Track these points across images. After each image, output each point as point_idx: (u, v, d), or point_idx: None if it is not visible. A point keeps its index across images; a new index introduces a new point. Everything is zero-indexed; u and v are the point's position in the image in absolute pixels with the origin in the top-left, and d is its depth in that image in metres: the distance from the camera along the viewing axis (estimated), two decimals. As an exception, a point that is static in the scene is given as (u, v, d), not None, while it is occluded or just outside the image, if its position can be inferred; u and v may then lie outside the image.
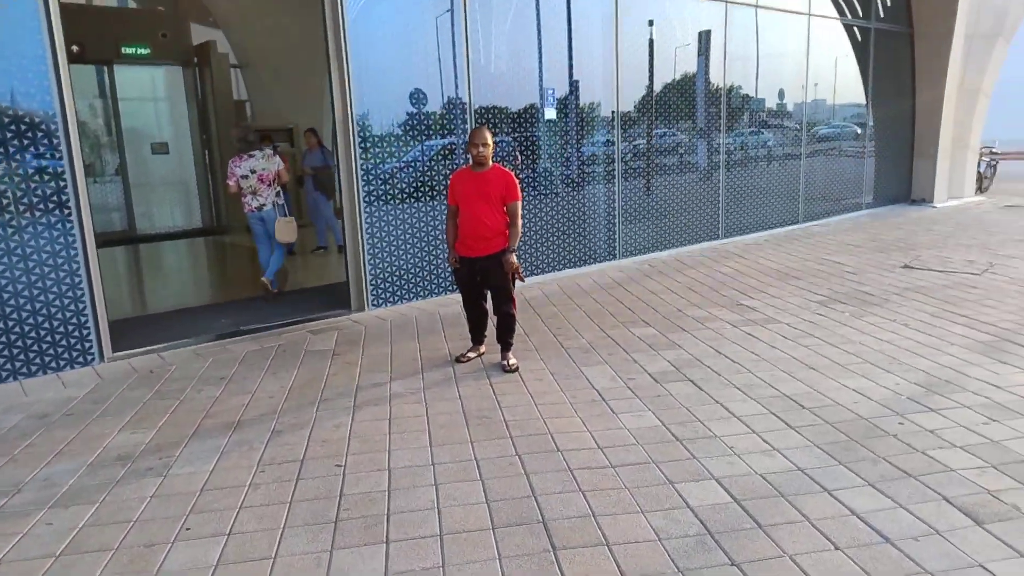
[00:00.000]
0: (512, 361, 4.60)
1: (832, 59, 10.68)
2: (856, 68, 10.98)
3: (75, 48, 7.50)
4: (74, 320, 4.73)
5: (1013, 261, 7.22)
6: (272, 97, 11.32)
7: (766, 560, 2.51)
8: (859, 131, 11.28)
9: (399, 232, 6.22)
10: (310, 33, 5.77)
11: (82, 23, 9.00)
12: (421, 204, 6.33)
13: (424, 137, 6.34)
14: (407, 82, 6.22)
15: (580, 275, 7.32)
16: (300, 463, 3.39)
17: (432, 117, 6.36)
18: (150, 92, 10.62)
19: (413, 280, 6.34)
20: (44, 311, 4.62)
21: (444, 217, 5.57)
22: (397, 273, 6.24)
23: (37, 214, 4.56)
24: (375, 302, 6.13)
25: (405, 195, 6.25)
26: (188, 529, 2.83)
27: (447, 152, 6.48)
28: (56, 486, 3.22)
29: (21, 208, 4.49)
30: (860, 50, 10.94)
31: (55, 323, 4.67)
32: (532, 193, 7.14)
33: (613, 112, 7.64)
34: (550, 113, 7.03)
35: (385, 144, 6.10)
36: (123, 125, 10.11)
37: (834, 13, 10.35)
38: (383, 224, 6.12)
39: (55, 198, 4.60)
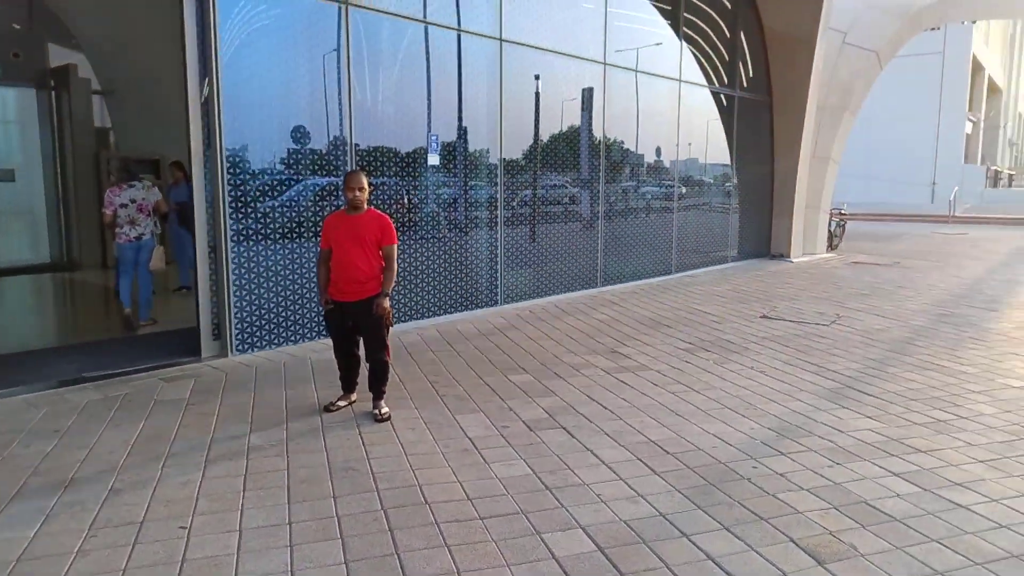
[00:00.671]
0: (384, 410, 4.46)
1: (704, 121, 11.50)
2: (723, 131, 11.87)
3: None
4: None
5: (858, 313, 7.91)
6: (137, 127, 10.69)
7: (625, 611, 2.51)
8: (724, 188, 12.12)
9: (270, 273, 5.96)
10: (180, 63, 5.51)
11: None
12: (295, 244, 6.12)
13: (301, 175, 6.16)
14: (287, 118, 6.06)
15: (461, 320, 7.30)
16: (139, 525, 3.08)
17: (311, 155, 6.21)
18: (-1, 115, 9.77)
19: (283, 324, 6.07)
20: None
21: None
22: (266, 316, 5.96)
23: None
24: (240, 347, 5.79)
25: (279, 234, 6.02)
26: (-9, 609, 2.48)
27: (326, 192, 6.33)
28: None
29: None
30: (726, 115, 11.85)
31: None
32: (415, 237, 7.09)
33: (497, 160, 7.79)
34: (433, 159, 7.06)
35: (258, 180, 5.87)
36: (-37, 149, 9.21)
37: (703, 81, 11.18)
38: (252, 264, 5.84)
39: None
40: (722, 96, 11.66)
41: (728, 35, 11.69)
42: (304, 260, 6.13)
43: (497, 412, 4.61)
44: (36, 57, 9.69)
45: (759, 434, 4.29)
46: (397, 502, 3.35)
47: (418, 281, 7.10)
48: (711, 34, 11.32)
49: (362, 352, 4.60)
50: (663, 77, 10.24)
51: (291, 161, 6.10)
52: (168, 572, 2.72)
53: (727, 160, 12.07)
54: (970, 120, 33.36)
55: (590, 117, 9.11)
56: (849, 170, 21.40)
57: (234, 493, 3.42)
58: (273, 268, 5.97)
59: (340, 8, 6.26)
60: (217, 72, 5.48)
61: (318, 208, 6.26)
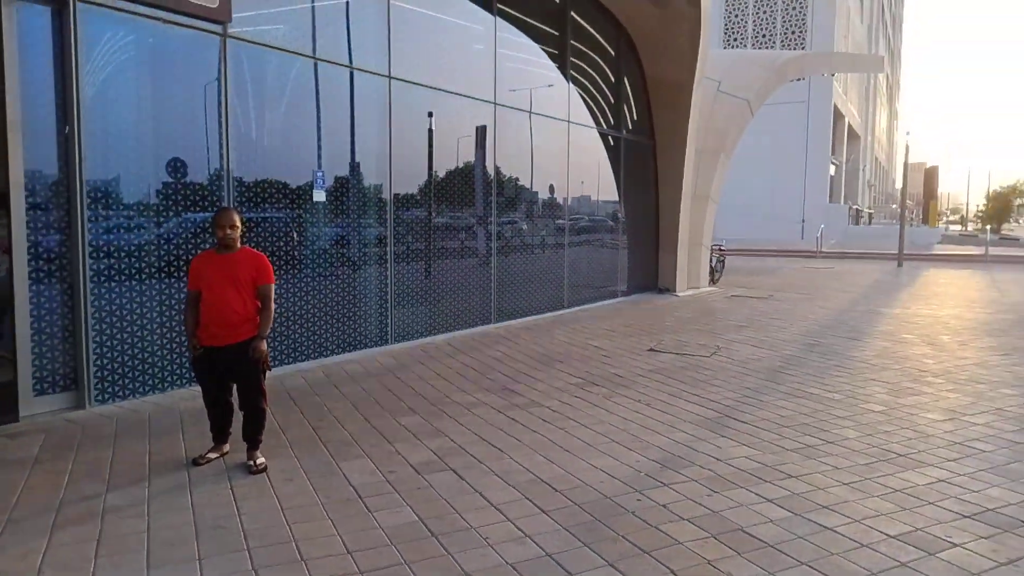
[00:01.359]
0: (260, 460, 4.20)
1: (593, 161, 11.91)
2: (611, 170, 12.34)
3: None
4: None
5: (736, 344, 8.31)
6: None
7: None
8: (613, 225, 12.56)
9: (135, 316, 5.55)
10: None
11: None
12: (164, 284, 5.74)
13: (174, 210, 5.82)
14: (159, 151, 5.74)
15: (349, 361, 7.07)
16: (-39, 608, 2.71)
17: (186, 190, 5.89)
18: None
19: (149, 371, 5.64)
20: None
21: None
22: (129, 363, 5.52)
23: None
24: (99, 397, 5.32)
25: (145, 274, 5.63)
26: None
27: (200, 228, 6.00)
28: None
29: None
30: (613, 155, 12.34)
31: None
32: (299, 275, 6.84)
33: (387, 196, 7.70)
34: (319, 195, 6.88)
35: (123, 216, 5.49)
36: None
37: (591, 122, 11.61)
38: (115, 306, 5.43)
39: None
40: (609, 137, 12.15)
41: (613, 80, 12.25)
42: (174, 301, 5.76)
43: (383, 457, 4.45)
44: None
45: (644, 466, 4.37)
46: (270, 560, 3.14)
47: (302, 320, 6.83)
48: (597, 79, 11.83)
49: (236, 399, 4.33)
50: (552, 118, 10.55)
51: (163, 195, 5.75)
52: (-6, 661, 2.40)
53: (615, 198, 12.54)
54: (833, 163, 36.51)
55: (483, 155, 9.23)
56: (727, 208, 22.78)
57: (84, 561, 3.09)
58: (139, 311, 5.57)
59: (219, 40, 6.04)
60: (78, 102, 5.12)
61: (191, 246, 5.92)
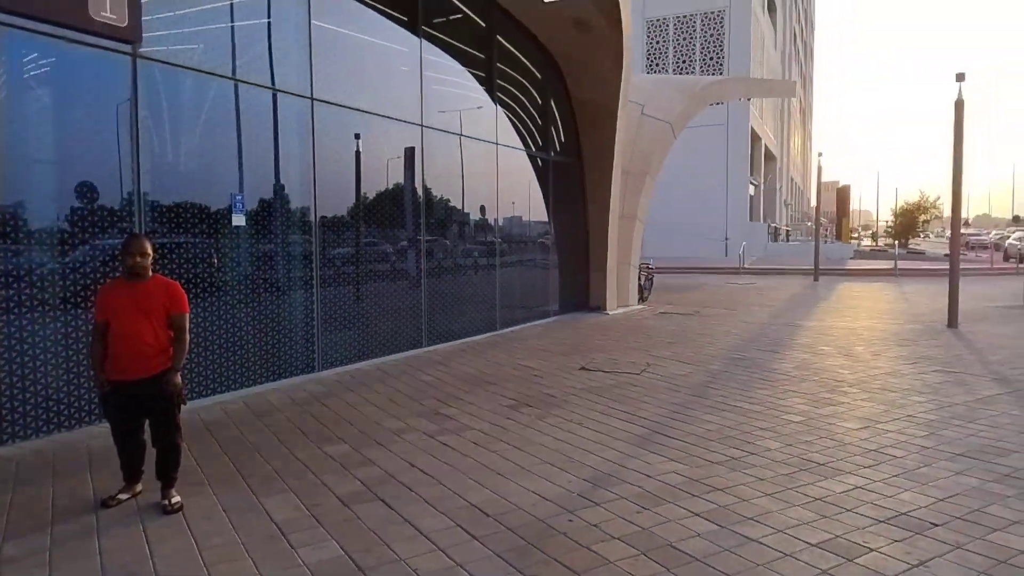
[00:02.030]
0: (175, 499, 3.99)
1: (523, 182, 12.02)
2: (540, 192, 12.48)
3: None
4: None
5: (665, 361, 8.48)
6: None
7: None
8: (544, 245, 12.69)
9: (36, 349, 5.21)
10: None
11: None
12: (70, 315, 5.42)
13: (79, 238, 5.52)
14: (63, 175, 5.44)
15: (273, 390, 6.83)
16: None
17: (91, 215, 5.59)
18: None
19: (53, 408, 5.30)
20: None
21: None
22: (31, 400, 5.17)
23: None
24: (-1, 438, 4.96)
25: (48, 304, 5.30)
26: None
27: (108, 256, 5.70)
28: None
29: None
30: (542, 177, 12.49)
31: None
32: (219, 302, 6.58)
33: (312, 219, 7.53)
34: (238, 219, 6.66)
35: (23, 243, 5.17)
36: None
37: (519, 144, 11.73)
38: (13, 340, 5.08)
39: None
40: (538, 159, 12.31)
41: (540, 103, 12.44)
42: (81, 333, 5.44)
43: (308, 490, 4.30)
44: None
45: (576, 486, 4.37)
46: (183, 607, 2.96)
47: (223, 350, 6.57)
48: (525, 101, 11.99)
49: (149, 435, 4.10)
50: (481, 140, 10.61)
51: (70, 221, 5.45)
52: None
53: (546, 218, 12.67)
54: (752, 183, 38.09)
55: (412, 176, 9.17)
56: (654, 227, 23.38)
57: (-29, 622, 2.84)
58: (43, 344, 5.23)
59: (130, 60, 5.81)
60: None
61: (99, 274, 5.62)
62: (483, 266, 10.89)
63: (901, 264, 25.56)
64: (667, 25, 35.90)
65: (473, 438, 5.37)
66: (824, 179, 27.05)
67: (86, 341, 5.40)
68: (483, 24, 10.79)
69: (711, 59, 35.14)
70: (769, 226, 40.42)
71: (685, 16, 35.56)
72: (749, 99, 33.85)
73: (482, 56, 10.83)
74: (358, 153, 8.29)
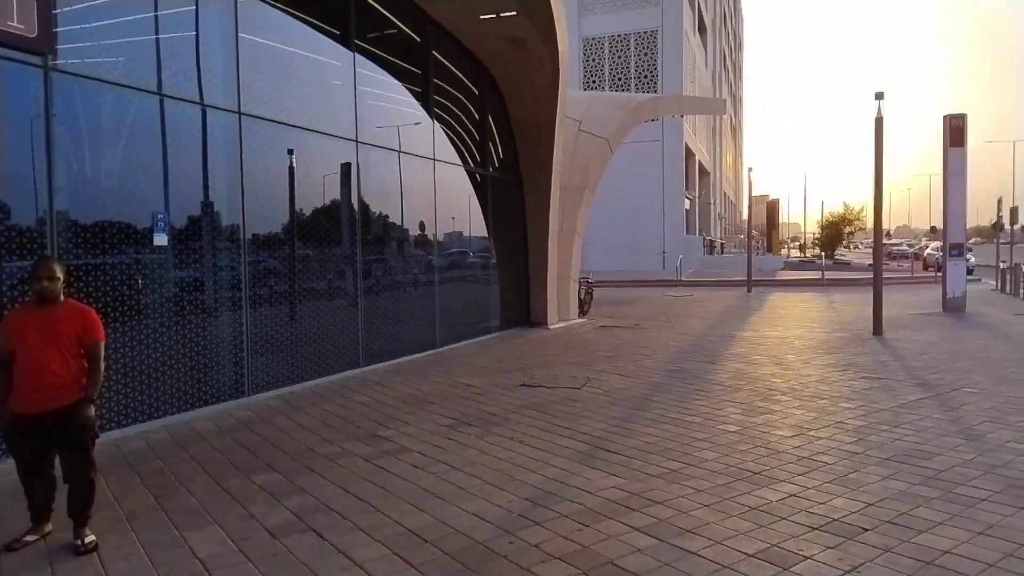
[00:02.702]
0: (89, 538, 3.73)
1: (462, 198, 11.97)
2: (480, 207, 12.45)
3: None
4: None
5: (604, 375, 8.52)
6: None
7: None
8: (484, 260, 12.65)
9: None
10: None
11: None
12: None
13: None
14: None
15: (199, 418, 6.52)
16: None
17: (0, 237, 5.24)
18: None
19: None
20: None
21: None
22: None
23: None
24: None
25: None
26: None
27: (17, 280, 5.35)
28: None
29: None
30: (481, 192, 12.47)
31: None
32: (140, 326, 6.26)
33: (241, 237, 7.27)
34: (160, 239, 6.36)
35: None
36: None
37: (457, 160, 11.69)
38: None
39: None
40: (476, 175, 12.29)
41: (478, 118, 12.45)
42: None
43: (236, 522, 4.09)
44: None
45: (516, 506, 4.30)
46: (93, 658, 2.74)
47: (145, 376, 6.23)
48: (463, 117, 11.97)
49: (59, 471, 3.83)
50: (419, 156, 10.51)
51: (-28, 245, 5.09)
52: None
53: (485, 234, 12.64)
54: (687, 198, 39.10)
55: (349, 192, 9.00)
56: (593, 241, 23.69)
57: None
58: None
59: (41, 73, 5.50)
60: None
61: (8, 299, 5.26)
62: (422, 283, 10.76)
63: (828, 274, 26.61)
64: (603, 44, 36.69)
65: (411, 460, 5.24)
66: (755, 193, 28.01)
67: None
68: (418, 39, 10.73)
69: (645, 77, 36.04)
70: (704, 239, 41.55)
71: (620, 36, 36.42)
72: (682, 116, 34.83)
73: (418, 72, 10.77)
74: (291, 169, 8.08)
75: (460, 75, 11.92)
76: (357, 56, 9.13)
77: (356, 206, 9.09)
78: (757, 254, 33.94)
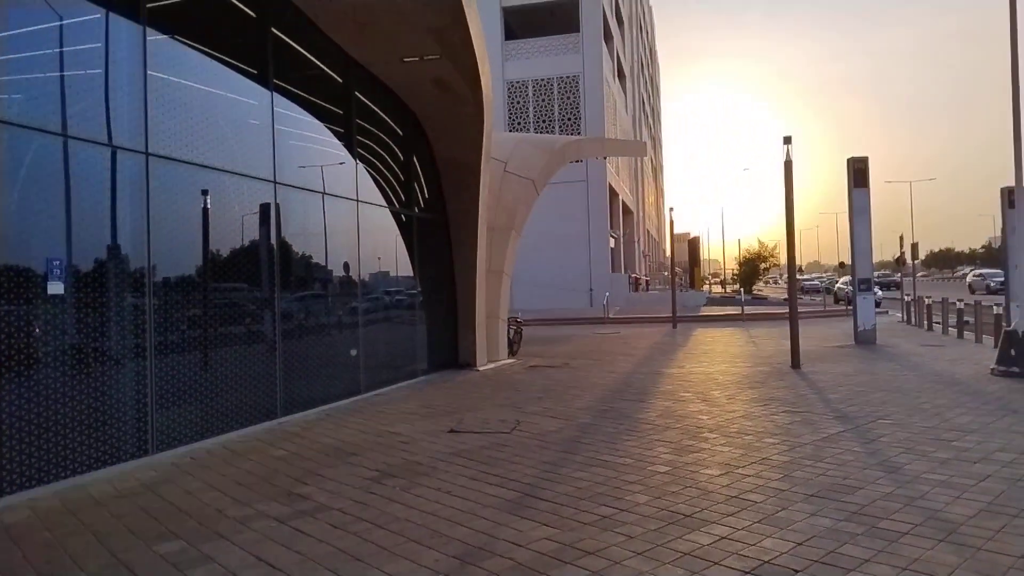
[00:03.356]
0: (-50, 632, 3.26)
1: (387, 239, 11.74)
2: (406, 248, 12.24)
3: None
4: None
5: (535, 417, 8.38)
6: None
7: None
8: (410, 302, 12.39)
9: None
10: None
11: None
12: None
13: None
14: None
15: (96, 481, 5.96)
16: None
17: None
18: None
19: None
20: None
21: None
22: None
23: None
24: None
25: None
26: None
27: None
28: None
29: None
30: (407, 233, 12.29)
31: None
32: (29, 381, 5.70)
33: (146, 282, 6.81)
34: (55, 287, 5.87)
35: None
36: None
37: (382, 201, 11.49)
38: None
39: None
40: (402, 215, 12.11)
41: (403, 159, 12.34)
42: None
43: (129, 600, 3.68)
44: None
45: (443, 565, 4.06)
46: None
47: (32, 437, 5.66)
48: (387, 157, 11.83)
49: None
50: (341, 197, 10.27)
51: None
52: None
53: (412, 275, 12.42)
54: (612, 236, 40.00)
55: (268, 234, 8.65)
56: (521, 281, 23.76)
57: None
58: None
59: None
60: None
61: None
62: (347, 325, 10.41)
63: (747, 309, 27.56)
64: (527, 87, 37.50)
65: (330, 519, 4.92)
66: (677, 231, 28.87)
67: None
68: (340, 80, 10.59)
69: (569, 119, 36.98)
70: (630, 276, 42.44)
71: (543, 80, 37.36)
72: (605, 157, 35.81)
73: (340, 112, 10.59)
74: (206, 210, 7.69)
75: (384, 116, 11.82)
76: (276, 96, 8.89)
77: (276, 247, 8.74)
78: (681, 290, 34.89)
